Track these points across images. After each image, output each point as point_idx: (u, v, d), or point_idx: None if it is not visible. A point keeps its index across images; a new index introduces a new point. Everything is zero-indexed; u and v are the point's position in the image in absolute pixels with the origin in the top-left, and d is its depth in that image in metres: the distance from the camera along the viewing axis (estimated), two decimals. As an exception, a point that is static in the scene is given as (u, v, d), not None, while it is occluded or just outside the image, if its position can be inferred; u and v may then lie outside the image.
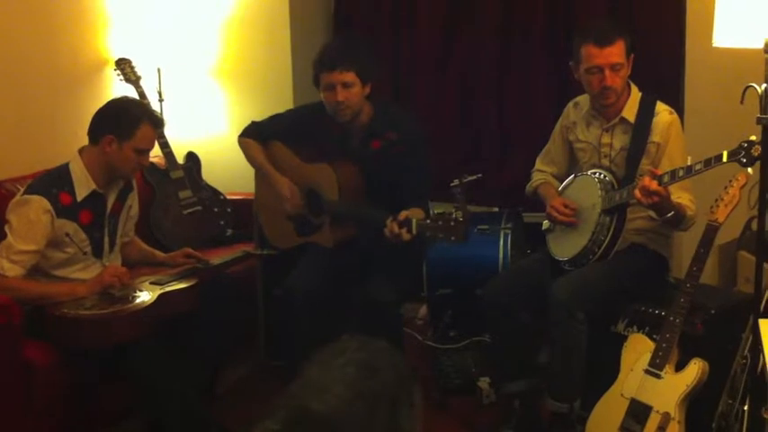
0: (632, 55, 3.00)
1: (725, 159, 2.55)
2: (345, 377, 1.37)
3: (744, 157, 2.51)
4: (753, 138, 2.48)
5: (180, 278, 3.03)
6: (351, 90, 3.14)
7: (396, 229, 2.86)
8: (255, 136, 3.44)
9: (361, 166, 3.25)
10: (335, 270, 3.27)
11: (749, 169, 2.52)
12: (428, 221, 2.82)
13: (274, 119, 3.49)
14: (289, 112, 3.56)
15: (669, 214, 2.83)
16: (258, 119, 3.54)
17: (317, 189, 3.28)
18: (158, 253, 3.32)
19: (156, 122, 3.01)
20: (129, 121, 2.89)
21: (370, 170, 3.24)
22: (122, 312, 2.78)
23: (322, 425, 1.34)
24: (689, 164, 2.67)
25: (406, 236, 2.86)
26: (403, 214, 2.88)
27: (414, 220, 2.85)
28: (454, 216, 2.75)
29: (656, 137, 2.99)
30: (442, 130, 4.46)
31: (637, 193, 2.74)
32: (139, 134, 2.90)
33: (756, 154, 2.47)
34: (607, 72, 2.95)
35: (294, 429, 1.37)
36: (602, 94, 3.01)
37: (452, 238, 2.77)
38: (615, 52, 2.93)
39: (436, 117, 4.45)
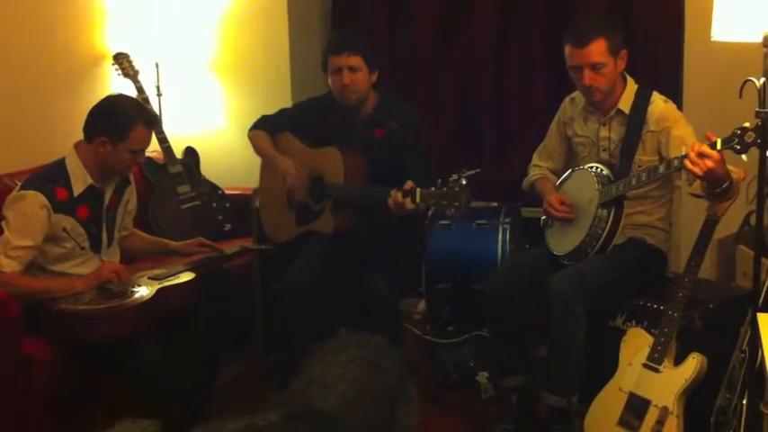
0: (623, 51, 2.98)
1: (719, 147, 2.53)
2: (348, 375, 1.38)
3: (737, 143, 2.48)
4: (746, 124, 2.47)
5: (178, 273, 3.03)
6: (357, 74, 3.21)
7: (400, 198, 2.90)
8: (264, 128, 3.48)
9: (366, 154, 3.28)
10: (334, 264, 3.28)
11: (743, 156, 2.50)
12: (432, 189, 2.85)
13: (283, 111, 3.56)
14: (296, 104, 3.64)
15: (725, 184, 2.63)
16: (257, 114, 3.58)
17: (322, 174, 3.30)
18: (169, 242, 3.32)
19: (151, 123, 2.99)
20: (123, 123, 2.87)
21: (374, 158, 3.28)
22: (121, 307, 2.77)
23: (325, 422, 1.35)
24: (683, 153, 2.66)
25: (409, 204, 2.89)
26: (408, 184, 2.92)
27: (418, 190, 2.89)
28: (458, 181, 2.78)
29: (651, 126, 2.99)
30: (441, 126, 4.46)
31: (687, 163, 2.56)
32: (133, 136, 2.88)
33: (750, 140, 2.45)
34: (586, 71, 2.96)
35: (296, 424, 1.37)
36: (586, 92, 3.04)
37: (455, 204, 2.80)
38: (593, 52, 2.93)
39: (435, 112, 4.45)
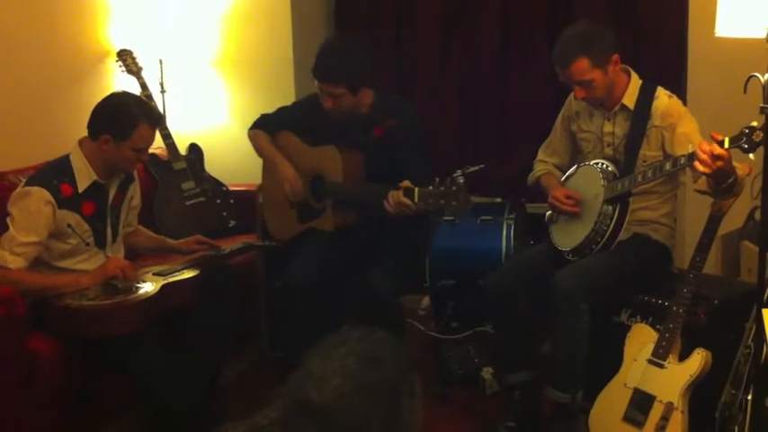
0: (614, 56, 2.95)
1: (726, 145, 2.52)
2: (345, 368, 1.37)
3: (745, 142, 2.47)
4: (754, 123, 2.46)
5: (183, 269, 3.03)
6: (340, 99, 3.16)
7: (400, 196, 2.88)
8: (264, 127, 3.49)
9: (365, 152, 3.27)
10: (335, 261, 3.28)
11: (751, 156, 2.50)
12: (430, 188, 2.82)
13: (281, 110, 3.55)
14: (295, 103, 3.61)
15: (730, 180, 2.62)
16: (261, 110, 3.59)
17: (321, 173, 3.29)
18: (169, 240, 3.33)
19: (155, 121, 2.99)
20: (127, 122, 2.86)
21: (373, 157, 3.26)
22: (125, 303, 2.77)
23: (320, 415, 1.34)
24: (690, 150, 2.65)
25: (407, 202, 2.87)
26: (405, 183, 2.90)
27: (416, 189, 2.86)
28: (455, 181, 2.76)
29: (656, 121, 2.98)
30: (444, 121, 4.45)
31: (698, 164, 2.54)
32: (137, 134, 2.87)
33: (758, 139, 2.44)
34: (575, 87, 2.99)
35: (292, 419, 1.37)
36: (584, 101, 3.06)
37: (453, 204, 2.77)
38: (575, 72, 2.93)
39: (438, 110, 4.45)
